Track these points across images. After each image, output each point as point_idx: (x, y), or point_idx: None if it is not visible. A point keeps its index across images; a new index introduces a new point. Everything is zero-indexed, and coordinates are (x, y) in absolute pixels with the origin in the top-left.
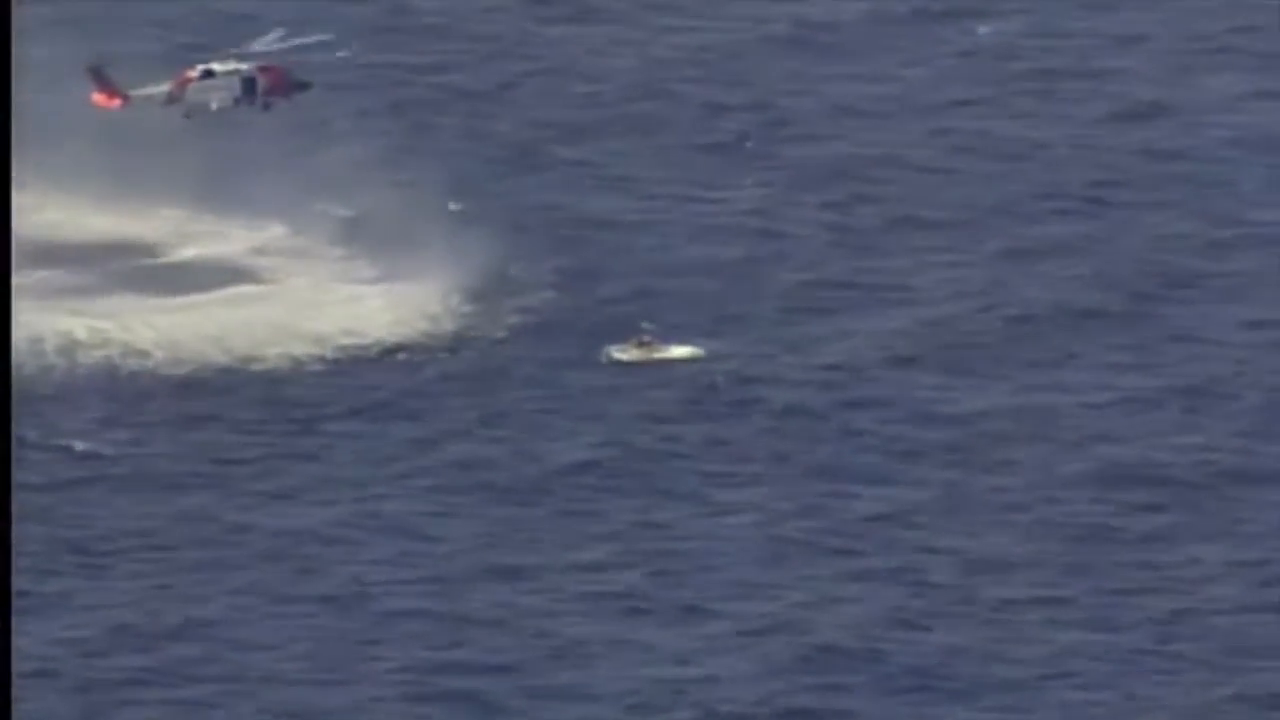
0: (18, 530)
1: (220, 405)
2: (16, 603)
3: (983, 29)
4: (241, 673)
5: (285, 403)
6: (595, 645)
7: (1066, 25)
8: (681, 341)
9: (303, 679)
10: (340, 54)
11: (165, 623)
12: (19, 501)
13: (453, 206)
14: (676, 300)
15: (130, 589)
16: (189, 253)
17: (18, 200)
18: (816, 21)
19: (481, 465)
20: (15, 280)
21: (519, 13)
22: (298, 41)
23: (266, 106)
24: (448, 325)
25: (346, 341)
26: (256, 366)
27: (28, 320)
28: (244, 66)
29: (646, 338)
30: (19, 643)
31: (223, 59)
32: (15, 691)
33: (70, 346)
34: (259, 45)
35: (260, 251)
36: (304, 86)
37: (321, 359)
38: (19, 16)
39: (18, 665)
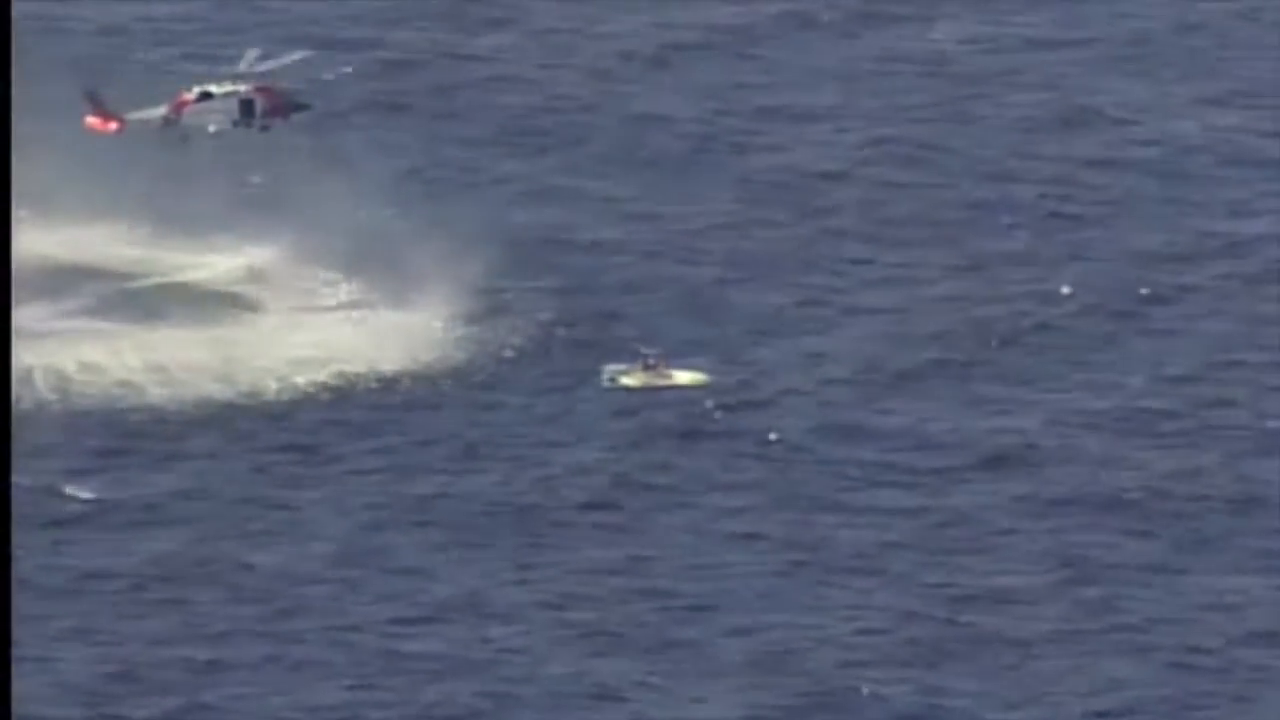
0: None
1: (216, 439)
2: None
3: (931, 34)
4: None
5: (280, 435)
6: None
7: (1008, 29)
8: (682, 366)
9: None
10: (327, 76)
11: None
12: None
13: (440, 227)
14: (655, 320)
15: (124, 631)
16: (177, 278)
17: None
18: (733, 26)
19: (475, 496)
20: None
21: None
22: (274, 63)
23: (265, 128)
24: (440, 351)
25: (337, 368)
26: (251, 397)
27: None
28: (242, 88)
29: (652, 360)
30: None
31: (219, 80)
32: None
33: (62, 381)
34: (242, 66)
35: (250, 277)
36: (302, 108)
37: (313, 387)
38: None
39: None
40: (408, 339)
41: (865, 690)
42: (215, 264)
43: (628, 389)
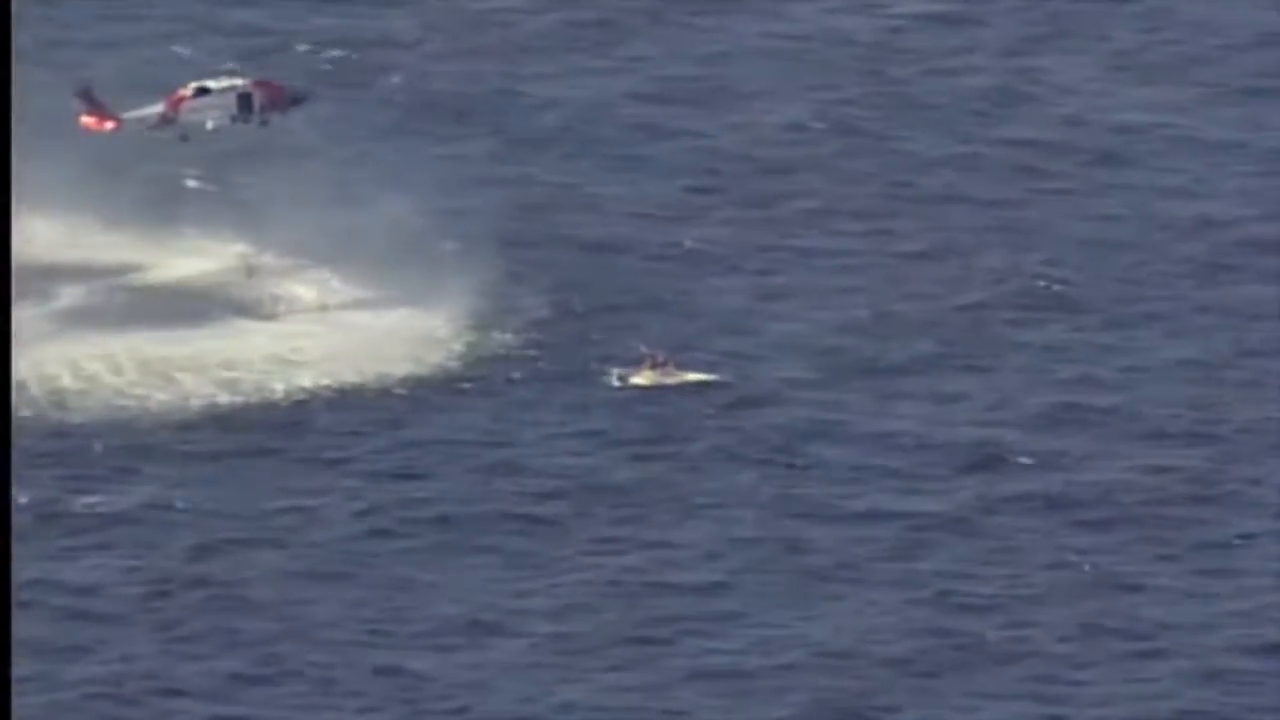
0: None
1: (223, 445)
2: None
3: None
4: None
5: (287, 439)
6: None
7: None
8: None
9: None
10: (325, 67)
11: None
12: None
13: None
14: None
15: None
16: (172, 279)
17: None
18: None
19: (485, 498)
20: None
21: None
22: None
23: (264, 123)
24: (447, 351)
25: (341, 371)
26: (256, 400)
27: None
28: (239, 82)
29: (661, 358)
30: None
31: (216, 75)
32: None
33: (59, 388)
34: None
35: (249, 275)
36: (301, 100)
37: (317, 389)
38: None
39: None
40: (417, 338)
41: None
42: (215, 259)
43: (638, 388)
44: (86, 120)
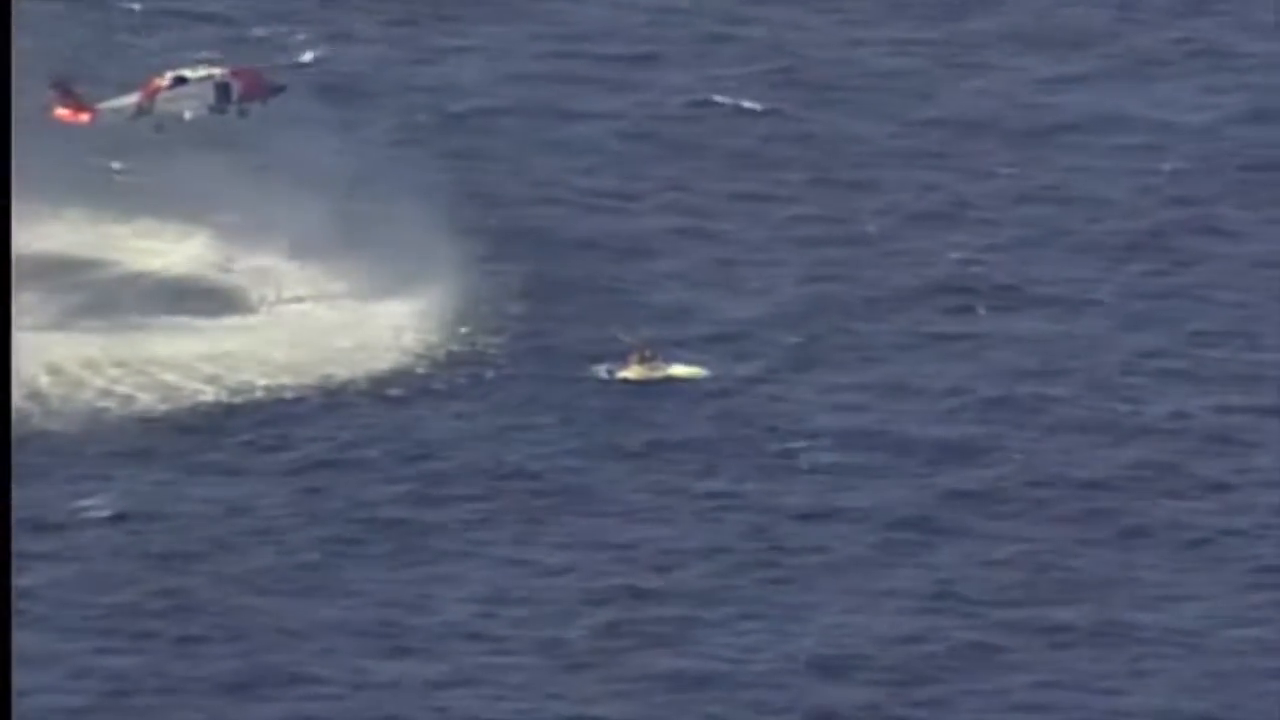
0: None
1: (214, 451)
2: None
3: None
4: None
5: (277, 440)
6: None
7: None
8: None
9: None
10: (306, 57)
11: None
12: None
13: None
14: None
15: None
16: (155, 276)
17: None
18: None
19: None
20: None
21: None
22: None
23: (242, 113)
24: (439, 348)
25: (332, 370)
26: (244, 402)
27: None
28: (217, 71)
29: (649, 352)
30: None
31: (193, 64)
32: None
33: (38, 392)
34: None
35: (231, 272)
36: (279, 90)
37: (307, 390)
38: None
39: None
40: (406, 335)
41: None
42: (199, 256)
43: (626, 381)
44: (61, 112)
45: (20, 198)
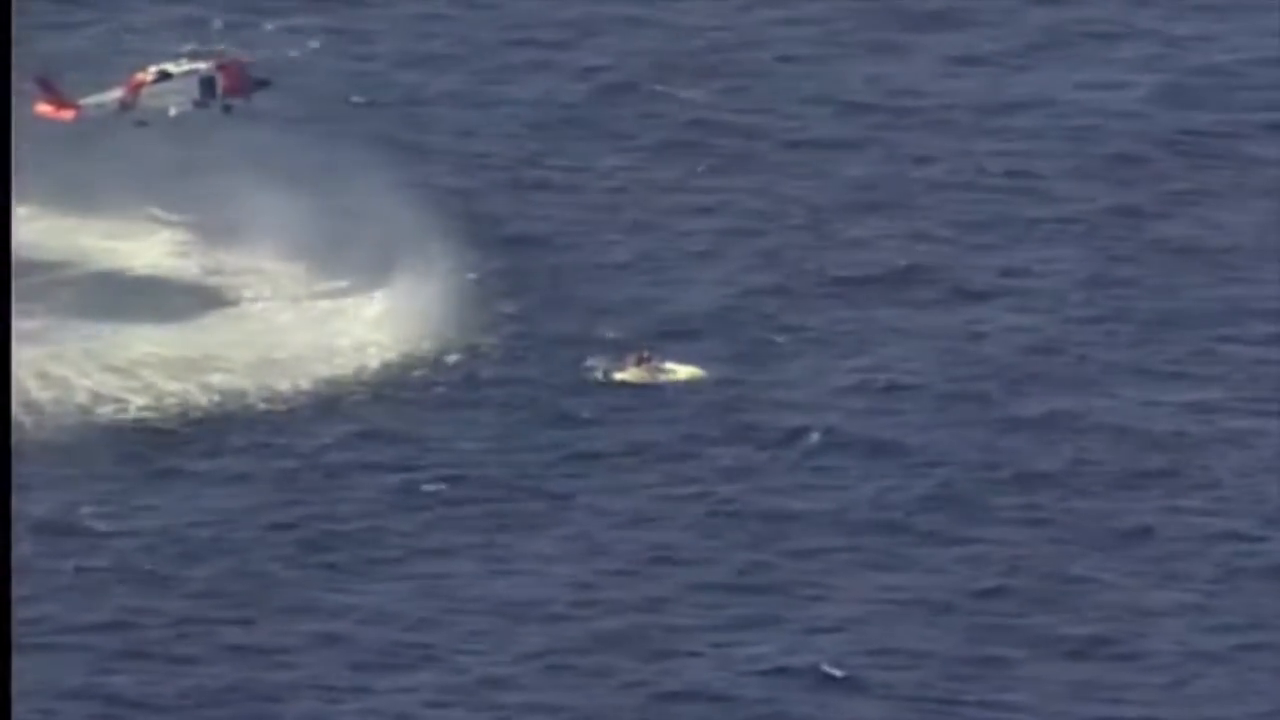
0: None
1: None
2: None
3: None
4: None
5: (270, 443)
6: None
7: None
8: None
9: None
10: (293, 53)
11: None
12: None
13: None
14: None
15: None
16: (146, 273)
17: None
18: None
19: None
20: None
21: None
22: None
23: (227, 108)
24: (430, 347)
25: (325, 371)
26: (235, 405)
27: None
28: (201, 65)
29: (646, 354)
30: None
31: (177, 59)
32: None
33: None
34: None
35: (219, 270)
36: (264, 84)
37: (299, 392)
38: None
39: None
40: (399, 335)
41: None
42: (189, 253)
43: (621, 384)
44: (43, 108)
45: None
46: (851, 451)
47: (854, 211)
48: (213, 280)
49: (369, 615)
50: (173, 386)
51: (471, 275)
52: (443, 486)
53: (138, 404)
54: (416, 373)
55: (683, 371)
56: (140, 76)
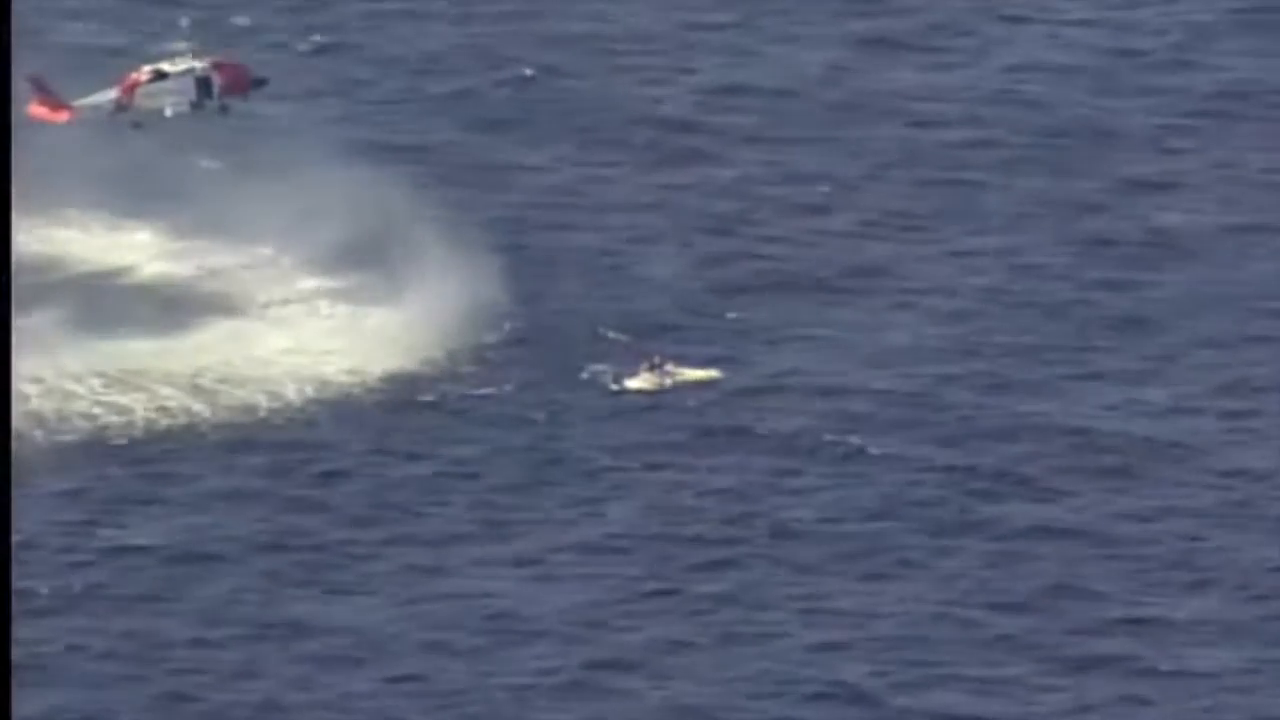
0: None
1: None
2: None
3: None
4: None
5: (269, 458)
6: None
7: None
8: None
9: None
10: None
11: None
12: None
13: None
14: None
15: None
16: (131, 278)
17: None
18: None
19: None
20: None
21: None
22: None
23: (224, 109)
24: (434, 356)
25: (320, 379)
26: (229, 417)
27: None
28: (198, 64)
29: (657, 359)
30: None
31: (172, 57)
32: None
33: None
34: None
35: (213, 274)
36: (262, 83)
37: (295, 401)
38: None
39: None
40: (399, 344)
41: None
42: (180, 258)
43: (637, 392)
44: (37, 110)
45: None
46: (817, 458)
47: (790, 210)
48: (204, 284)
49: (368, 627)
50: (165, 392)
51: (471, 276)
52: (445, 491)
53: (127, 410)
54: (417, 378)
55: (693, 374)
56: (135, 76)
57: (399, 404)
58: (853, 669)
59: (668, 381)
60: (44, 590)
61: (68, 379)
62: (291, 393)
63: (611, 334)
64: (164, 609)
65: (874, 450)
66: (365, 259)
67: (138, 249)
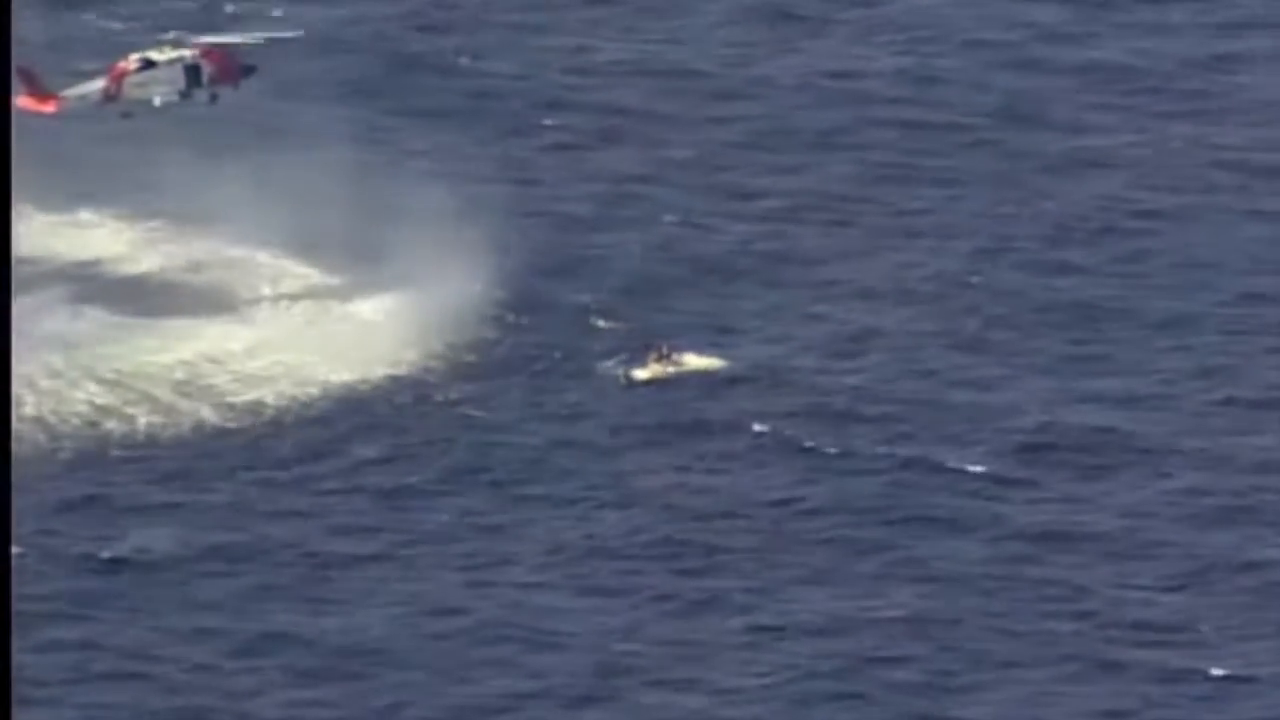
0: None
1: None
2: None
3: None
4: None
5: (267, 460)
6: None
7: None
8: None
9: None
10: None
11: None
12: None
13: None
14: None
15: None
16: (125, 273)
17: None
18: None
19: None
20: None
21: None
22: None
23: (213, 98)
24: (428, 349)
25: (319, 378)
26: (231, 417)
27: None
28: (186, 53)
29: (665, 348)
30: None
31: (160, 45)
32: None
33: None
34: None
35: (207, 268)
36: (250, 71)
37: (293, 399)
38: None
39: None
40: (402, 339)
41: None
42: (178, 252)
43: (646, 383)
44: (24, 101)
45: None
46: (784, 450)
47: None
48: (200, 280)
49: (367, 635)
50: (160, 393)
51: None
52: (447, 494)
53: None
54: (416, 378)
55: (699, 362)
56: (123, 65)
57: (399, 404)
58: (853, 668)
59: (672, 370)
60: (42, 594)
61: (59, 379)
62: (292, 394)
63: (602, 323)
64: (160, 617)
65: (830, 448)
66: (365, 258)
67: (129, 243)
